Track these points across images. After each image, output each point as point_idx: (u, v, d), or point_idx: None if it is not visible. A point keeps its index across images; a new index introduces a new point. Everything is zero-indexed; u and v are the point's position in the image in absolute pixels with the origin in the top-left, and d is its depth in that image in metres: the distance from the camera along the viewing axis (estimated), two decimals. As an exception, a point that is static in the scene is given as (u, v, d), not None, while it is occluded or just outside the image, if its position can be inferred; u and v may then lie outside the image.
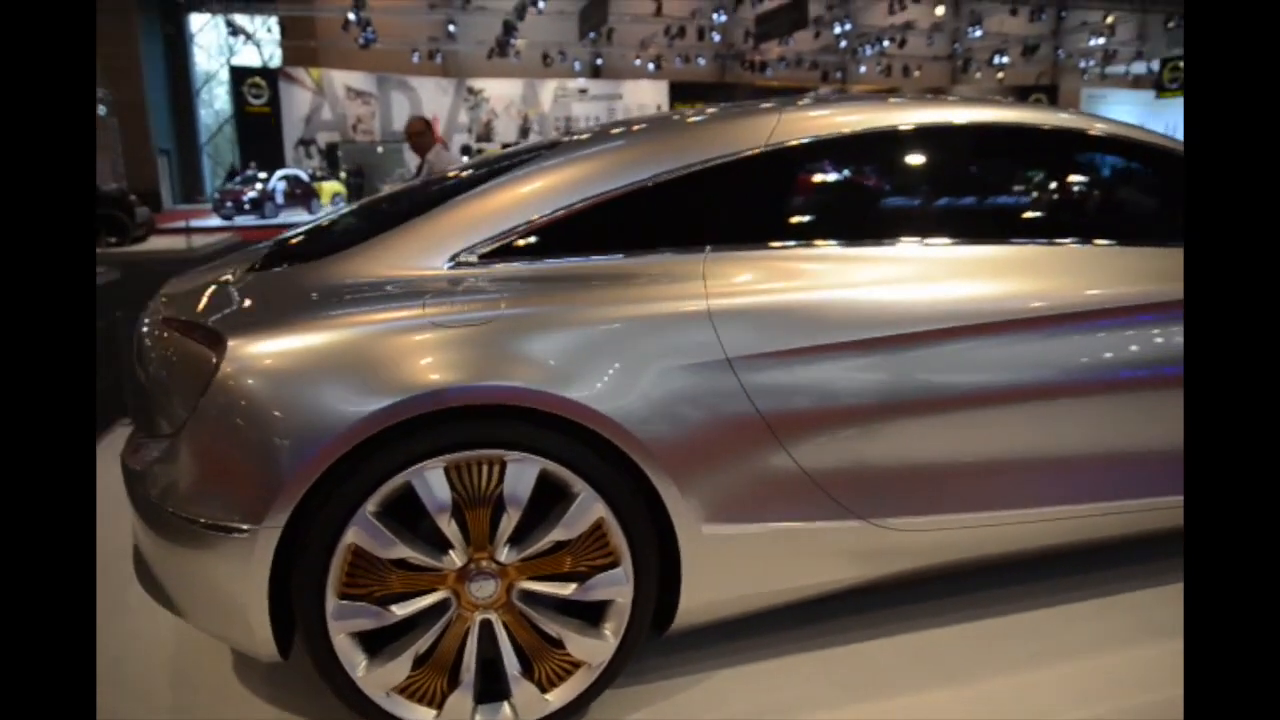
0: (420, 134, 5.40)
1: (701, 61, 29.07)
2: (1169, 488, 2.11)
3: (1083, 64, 29.00)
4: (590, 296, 1.73)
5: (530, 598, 1.70)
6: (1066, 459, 2.03)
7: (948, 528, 1.97)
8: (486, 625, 1.69)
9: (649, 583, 1.75)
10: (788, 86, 30.90)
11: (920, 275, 1.92)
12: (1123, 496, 2.10)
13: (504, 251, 1.79)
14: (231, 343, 1.57)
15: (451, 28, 25.64)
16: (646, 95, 30.56)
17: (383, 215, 2.10)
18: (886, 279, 1.90)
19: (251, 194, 19.53)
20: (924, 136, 2.09)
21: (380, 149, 26.53)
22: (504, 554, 1.67)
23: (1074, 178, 2.39)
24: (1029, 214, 2.28)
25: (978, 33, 25.01)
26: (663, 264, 1.82)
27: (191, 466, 1.59)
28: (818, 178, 2.08)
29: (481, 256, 1.78)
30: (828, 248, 1.92)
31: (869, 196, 2.18)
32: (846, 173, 2.10)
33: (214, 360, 1.57)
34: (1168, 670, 1.96)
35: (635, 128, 2.13)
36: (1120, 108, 28.20)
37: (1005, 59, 27.43)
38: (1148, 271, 2.09)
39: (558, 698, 1.74)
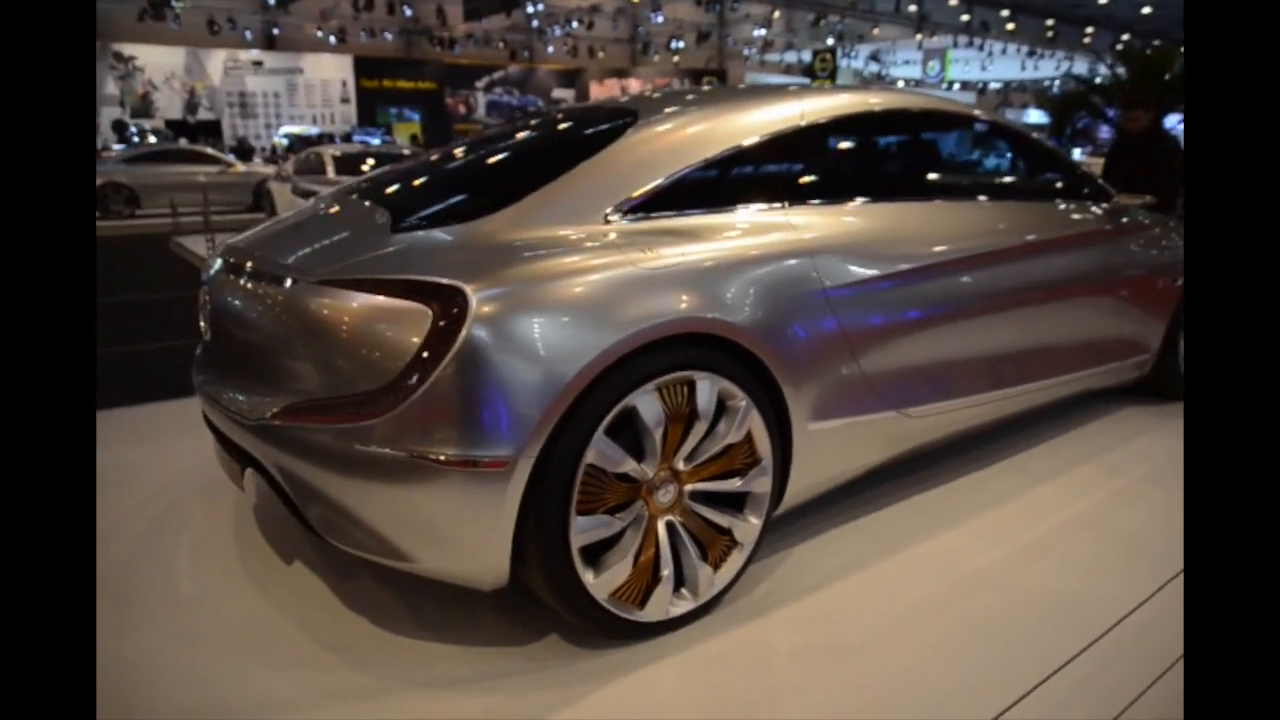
0: None
1: (389, 36, 28.12)
2: (1079, 366, 3.08)
3: (746, 51, 32.45)
4: (733, 244, 2.08)
5: (696, 497, 2.04)
6: (1023, 352, 2.78)
7: (945, 411, 2.61)
8: (670, 526, 2.00)
9: (779, 473, 2.17)
10: (476, 64, 30.98)
11: (932, 221, 2.53)
12: (1054, 374, 2.94)
13: (641, 208, 2.06)
14: (475, 295, 1.71)
15: (96, -15, 22.23)
16: (330, 70, 28.91)
17: (488, 176, 2.30)
18: (909, 225, 2.48)
19: None
20: (913, 117, 2.71)
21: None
22: (680, 463, 1.99)
23: (999, 154, 3.18)
24: (977, 177, 3.01)
25: (659, 19, 26.94)
26: (762, 216, 2.21)
27: (448, 412, 1.70)
28: (845, 147, 2.58)
29: (625, 213, 2.04)
30: (864, 203, 2.44)
31: (888, 162, 2.74)
32: (866, 144, 2.64)
33: (457, 312, 1.70)
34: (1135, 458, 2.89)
35: (712, 100, 2.48)
36: (777, 91, 32.05)
37: (681, 44, 29.83)
38: (1057, 219, 2.93)
39: (723, 577, 2.10)
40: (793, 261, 2.17)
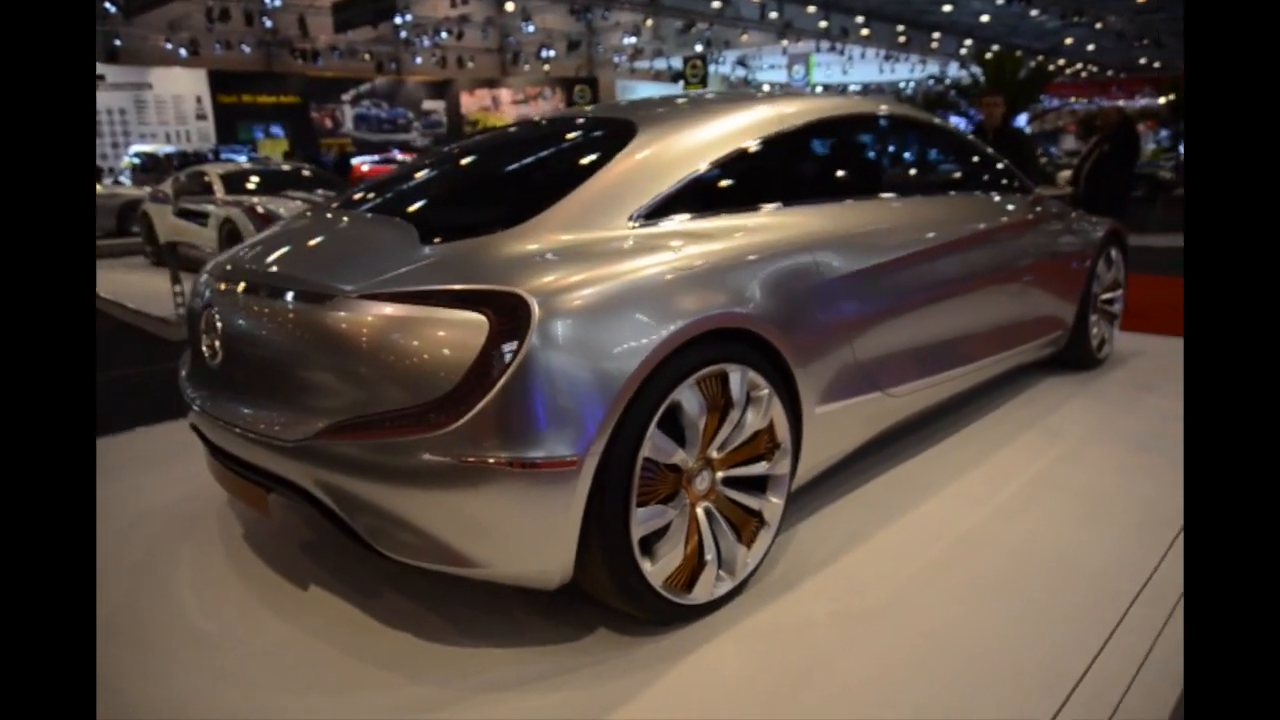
0: None
1: (246, 49, 26.91)
2: (1019, 341, 3.39)
3: (616, 59, 32.84)
4: (747, 242, 2.20)
5: (728, 482, 2.14)
6: (978, 331, 3.02)
7: (919, 389, 2.82)
8: (707, 511, 2.10)
9: (795, 455, 2.30)
10: (342, 77, 30.06)
11: (905, 215, 2.73)
12: (1001, 350, 3.20)
13: (655, 213, 2.14)
14: (535, 300, 1.75)
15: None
16: (182, 84, 27.33)
17: (500, 186, 2.35)
18: (890, 218, 2.68)
19: None
20: (880, 120, 2.94)
21: None
22: (713, 451, 2.09)
23: (947, 152, 3.44)
24: (935, 174, 3.25)
25: (529, 28, 26.93)
26: (764, 215, 2.34)
27: (517, 416, 1.72)
28: (830, 149, 2.75)
29: (643, 218, 2.12)
30: (850, 200, 2.62)
31: (867, 161, 2.92)
32: (847, 145, 2.81)
33: (519, 318, 1.73)
34: (1070, 421, 3.17)
35: (704, 108, 2.58)
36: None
37: (551, 53, 29.91)
38: (999, 209, 3.21)
39: (755, 555, 2.21)
40: (797, 257, 2.31)
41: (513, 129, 2.86)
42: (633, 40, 30.55)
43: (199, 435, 2.36)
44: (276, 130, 27.97)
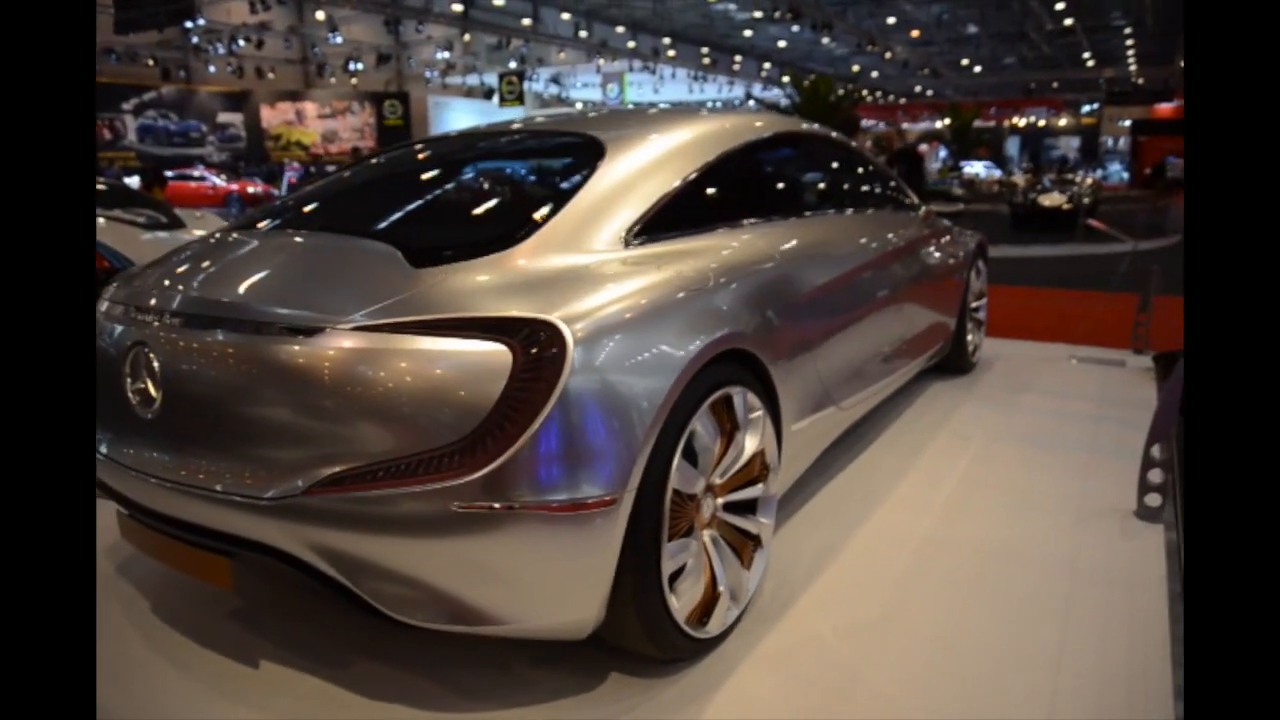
0: None
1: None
2: (925, 349, 3.60)
3: (428, 74, 32.00)
4: (737, 260, 2.17)
5: (727, 507, 2.09)
6: (900, 341, 3.16)
7: (861, 401, 2.91)
8: (713, 539, 2.04)
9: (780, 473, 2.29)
10: (120, 83, 27.37)
11: (854, 230, 2.81)
12: (914, 358, 3.39)
13: (644, 232, 2.07)
14: (569, 328, 1.62)
15: None
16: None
17: (476, 204, 2.23)
18: (845, 233, 2.75)
19: None
20: (818, 140, 3.04)
21: None
22: (716, 477, 2.04)
23: (872, 170, 3.58)
24: (867, 191, 3.37)
25: (337, 39, 25.69)
26: (739, 234, 2.32)
27: (558, 454, 1.58)
28: (791, 166, 2.77)
29: (634, 236, 2.04)
30: (811, 215, 2.67)
31: (820, 179, 2.97)
32: (802, 163, 2.85)
33: (552, 347, 1.60)
34: (970, 424, 3.29)
35: (671, 123, 2.51)
36: (465, 115, 32.04)
37: (359, 65, 28.70)
38: (910, 222, 3.37)
39: (753, 579, 2.17)
40: (779, 273, 2.31)
41: (454, 139, 2.67)
42: (445, 55, 29.91)
43: (111, 495, 2.01)
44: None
